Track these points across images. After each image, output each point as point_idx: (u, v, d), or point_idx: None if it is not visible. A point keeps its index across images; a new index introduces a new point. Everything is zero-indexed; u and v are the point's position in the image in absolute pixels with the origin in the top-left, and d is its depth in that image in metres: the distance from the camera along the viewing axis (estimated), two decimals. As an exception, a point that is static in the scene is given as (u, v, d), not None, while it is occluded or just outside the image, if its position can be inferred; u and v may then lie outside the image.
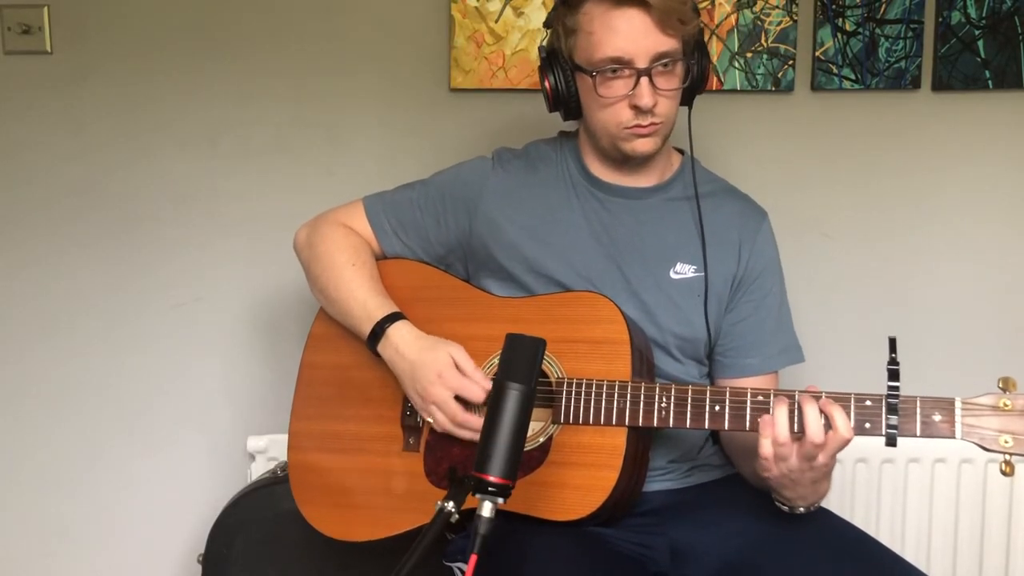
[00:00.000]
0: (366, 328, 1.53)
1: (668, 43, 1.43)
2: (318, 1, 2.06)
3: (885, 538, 1.53)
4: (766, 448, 1.29)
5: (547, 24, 1.55)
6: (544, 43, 1.55)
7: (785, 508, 1.40)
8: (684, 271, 1.55)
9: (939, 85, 2.00)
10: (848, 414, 1.27)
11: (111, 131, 2.10)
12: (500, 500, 1.13)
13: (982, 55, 1.98)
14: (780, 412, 1.28)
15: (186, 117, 2.09)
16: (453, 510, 1.13)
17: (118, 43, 2.08)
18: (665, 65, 1.45)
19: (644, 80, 1.43)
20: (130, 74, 2.08)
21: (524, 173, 1.61)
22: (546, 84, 1.53)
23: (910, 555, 1.86)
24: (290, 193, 2.09)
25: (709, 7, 1.99)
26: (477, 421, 1.45)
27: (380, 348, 1.52)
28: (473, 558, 1.09)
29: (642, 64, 1.43)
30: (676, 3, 1.42)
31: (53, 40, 2.08)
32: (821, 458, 1.28)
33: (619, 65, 1.43)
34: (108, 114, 2.10)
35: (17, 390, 2.17)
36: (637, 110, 1.46)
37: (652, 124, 1.48)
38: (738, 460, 1.57)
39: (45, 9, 2.07)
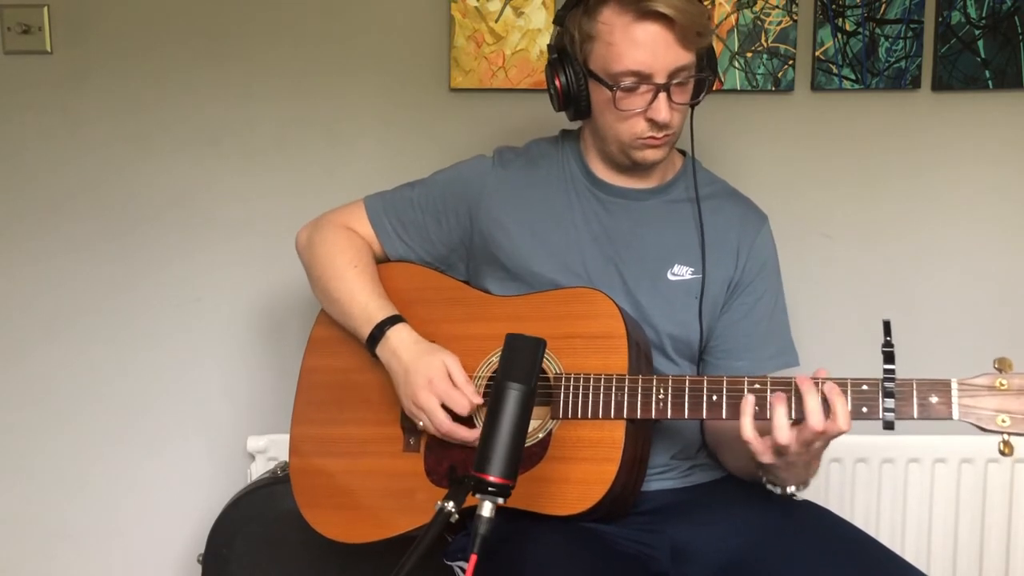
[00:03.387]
0: (366, 330, 1.53)
1: (686, 57, 1.43)
2: (318, 1, 2.06)
3: (885, 538, 1.53)
4: (747, 431, 1.29)
5: (558, 22, 1.52)
6: (553, 41, 1.54)
7: (777, 490, 1.40)
8: (682, 273, 1.55)
9: (939, 85, 2.00)
10: (845, 399, 1.26)
11: (111, 131, 2.10)
12: (500, 500, 1.13)
13: (982, 55, 1.98)
14: (779, 413, 1.27)
15: (186, 117, 2.09)
16: (453, 510, 1.13)
17: (118, 43, 2.08)
18: (682, 80, 1.45)
19: (662, 95, 1.43)
20: (130, 74, 2.08)
21: (525, 171, 1.61)
22: (556, 83, 1.51)
23: (910, 555, 1.85)
24: (290, 193, 2.09)
25: (709, 7, 1.99)
26: (464, 432, 1.45)
27: (378, 350, 1.52)
28: (473, 558, 1.09)
29: (661, 79, 1.43)
30: (697, 16, 1.41)
31: (53, 40, 2.08)
32: (818, 444, 1.28)
33: (637, 79, 1.43)
34: (108, 114, 2.10)
35: (17, 390, 2.16)
36: (652, 123, 1.46)
37: (665, 135, 1.48)
38: (721, 450, 1.56)
39: (45, 9, 2.07)
